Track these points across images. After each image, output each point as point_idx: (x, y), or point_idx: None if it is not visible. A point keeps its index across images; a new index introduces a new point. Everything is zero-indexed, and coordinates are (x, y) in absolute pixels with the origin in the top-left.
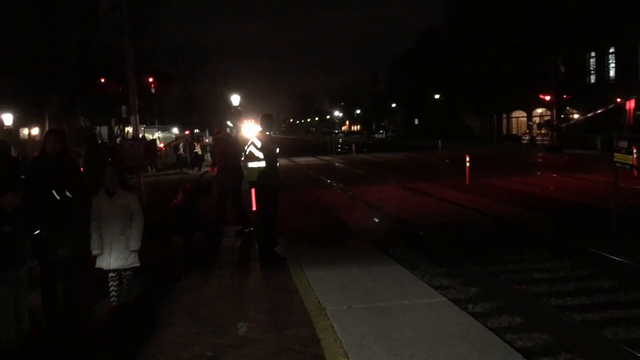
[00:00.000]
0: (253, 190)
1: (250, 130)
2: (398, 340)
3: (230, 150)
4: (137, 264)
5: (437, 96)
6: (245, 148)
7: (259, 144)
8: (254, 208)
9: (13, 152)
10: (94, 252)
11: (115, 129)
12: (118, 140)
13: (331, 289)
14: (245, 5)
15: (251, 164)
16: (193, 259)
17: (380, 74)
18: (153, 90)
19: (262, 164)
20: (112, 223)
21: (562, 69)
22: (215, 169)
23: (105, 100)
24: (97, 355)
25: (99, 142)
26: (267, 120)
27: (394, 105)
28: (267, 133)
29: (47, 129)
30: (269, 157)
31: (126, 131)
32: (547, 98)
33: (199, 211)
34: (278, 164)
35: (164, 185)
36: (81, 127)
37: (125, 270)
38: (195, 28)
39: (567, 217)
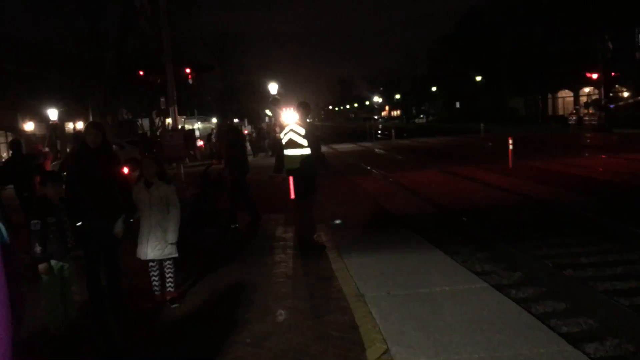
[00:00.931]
0: (291, 179)
1: (290, 118)
2: (438, 326)
3: (234, 142)
4: (175, 255)
5: (478, 78)
6: (282, 136)
7: (302, 131)
8: (292, 196)
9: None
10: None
11: (157, 120)
12: (158, 132)
13: (370, 275)
14: None
15: (291, 152)
16: (230, 248)
17: (420, 57)
18: (191, 81)
19: (305, 151)
20: (149, 214)
21: (610, 46)
22: (221, 162)
23: (146, 93)
24: (141, 342)
25: (140, 132)
26: (304, 108)
27: (434, 88)
28: (308, 120)
29: (93, 120)
30: (314, 144)
31: (167, 122)
32: (595, 76)
33: (214, 206)
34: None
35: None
36: (124, 119)
37: (164, 260)
38: (233, 17)
39: (616, 199)
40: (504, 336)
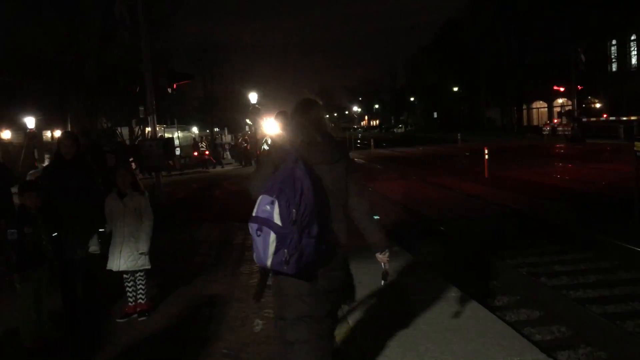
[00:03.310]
0: None
1: (270, 128)
2: (413, 335)
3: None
4: (148, 267)
5: (456, 89)
6: (260, 146)
7: (269, 142)
8: None
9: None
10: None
11: (136, 129)
12: (137, 141)
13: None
14: (264, 2)
15: None
16: (204, 257)
17: (399, 67)
18: (170, 90)
19: None
20: (122, 225)
21: (583, 58)
22: None
23: (125, 101)
24: (116, 353)
25: (119, 141)
26: (283, 117)
27: (412, 99)
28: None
29: (67, 131)
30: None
31: (146, 131)
32: (562, 89)
33: None
34: None
35: (184, 184)
36: (103, 128)
37: (136, 272)
38: (214, 26)
39: (588, 208)
40: (478, 345)
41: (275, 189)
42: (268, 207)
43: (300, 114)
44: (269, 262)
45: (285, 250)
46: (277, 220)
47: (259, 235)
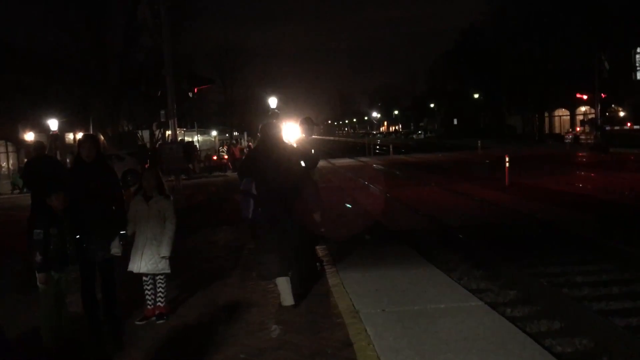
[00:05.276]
0: None
1: (290, 132)
2: (432, 344)
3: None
4: (168, 271)
5: (476, 95)
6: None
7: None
8: None
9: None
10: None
11: (157, 132)
12: (158, 144)
13: (366, 292)
14: (285, 7)
15: None
16: (221, 261)
17: (419, 73)
18: (191, 94)
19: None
20: (146, 227)
21: (607, 66)
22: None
23: (146, 104)
24: (134, 355)
25: (139, 144)
26: (306, 124)
27: (432, 105)
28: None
29: (87, 133)
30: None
31: (167, 134)
32: (585, 97)
33: None
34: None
35: (202, 187)
36: (124, 130)
37: (156, 275)
38: (235, 31)
39: (611, 218)
40: (498, 355)
41: (255, 174)
42: (250, 185)
43: (267, 129)
44: (250, 215)
45: (260, 209)
46: (254, 192)
47: (245, 200)
